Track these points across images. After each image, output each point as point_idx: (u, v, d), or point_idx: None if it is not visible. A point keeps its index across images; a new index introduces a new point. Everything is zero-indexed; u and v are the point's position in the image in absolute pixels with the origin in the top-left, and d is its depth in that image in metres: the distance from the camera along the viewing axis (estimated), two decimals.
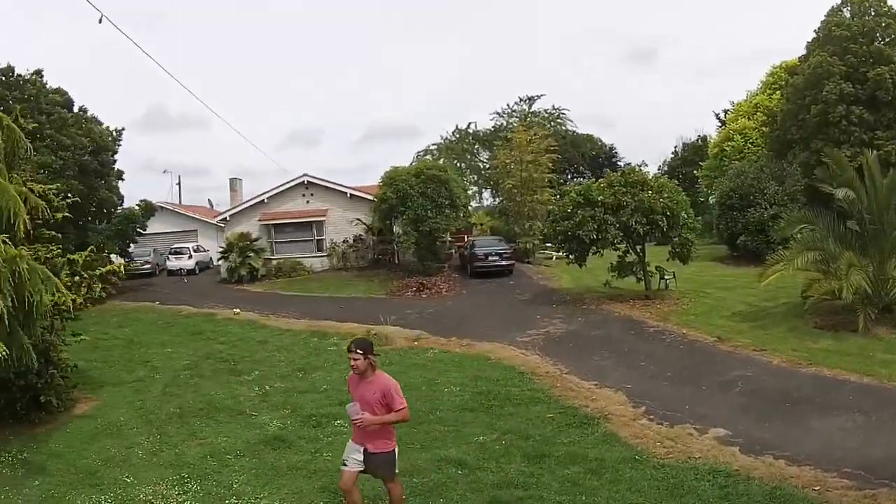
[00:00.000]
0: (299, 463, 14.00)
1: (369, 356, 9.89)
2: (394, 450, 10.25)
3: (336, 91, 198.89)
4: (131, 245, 53.33)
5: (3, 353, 13.88)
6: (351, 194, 54.12)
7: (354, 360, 9.85)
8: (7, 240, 15.56)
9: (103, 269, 25.87)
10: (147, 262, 61.68)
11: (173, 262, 61.47)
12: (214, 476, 13.73)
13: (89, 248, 25.53)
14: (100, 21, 23.48)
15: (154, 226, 64.66)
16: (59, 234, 25.52)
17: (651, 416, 15.69)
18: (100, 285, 25.60)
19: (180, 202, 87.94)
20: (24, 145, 19.23)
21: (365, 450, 10.10)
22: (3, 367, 16.99)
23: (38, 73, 45.62)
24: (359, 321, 30.10)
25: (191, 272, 60.09)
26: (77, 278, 23.89)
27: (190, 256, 61.97)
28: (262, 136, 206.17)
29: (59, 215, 23.58)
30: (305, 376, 21.72)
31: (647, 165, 78.87)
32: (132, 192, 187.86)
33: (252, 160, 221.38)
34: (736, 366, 20.10)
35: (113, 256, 49.03)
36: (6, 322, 14.69)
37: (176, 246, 64.36)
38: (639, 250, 33.17)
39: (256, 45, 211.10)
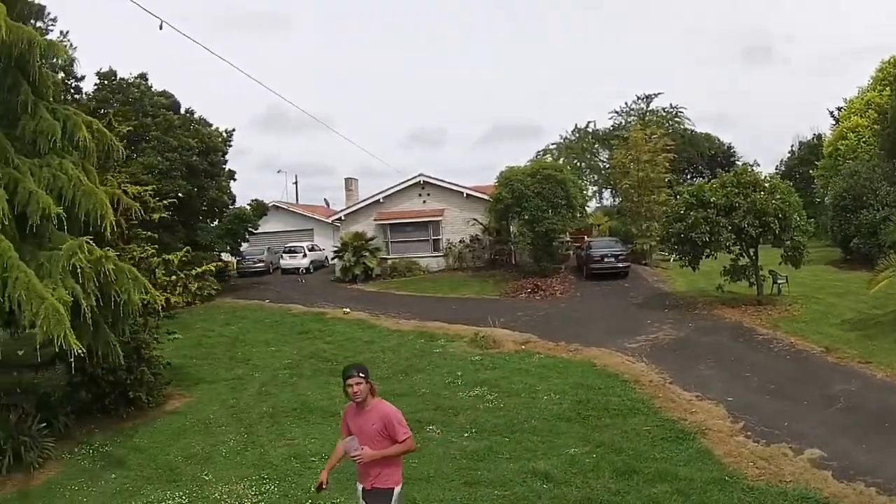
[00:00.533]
0: None
1: (370, 381, 8.82)
2: (395, 488, 8.98)
3: (459, 90, 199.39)
4: (243, 244, 53.54)
5: (79, 350, 13.93)
6: (467, 194, 53.60)
7: (356, 385, 8.65)
8: (92, 241, 15.67)
9: (199, 269, 25.91)
10: (261, 261, 62.39)
11: (287, 261, 61.99)
12: (295, 478, 13.74)
13: (184, 249, 25.60)
14: (160, 28, 23.55)
15: (270, 224, 65.32)
16: (156, 235, 25.77)
17: (748, 433, 14.90)
18: (196, 284, 25.67)
19: (297, 201, 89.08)
20: (117, 148, 19.31)
21: (363, 488, 9.00)
22: (89, 363, 17.27)
23: (142, 76, 46.53)
24: (468, 323, 29.66)
25: (305, 271, 60.41)
26: (174, 277, 23.94)
27: (304, 255, 62.39)
28: (386, 136, 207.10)
29: (157, 216, 23.74)
30: (406, 379, 21.54)
31: (758, 165, 76.82)
32: (254, 191, 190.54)
33: (374, 160, 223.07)
34: (840, 379, 19.08)
35: (224, 255, 49.66)
36: (89, 320, 14.90)
37: (290, 245, 64.93)
38: (751, 253, 32.00)
39: (381, 44, 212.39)
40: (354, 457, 8.70)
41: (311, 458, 14.69)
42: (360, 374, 8.68)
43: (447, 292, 42.39)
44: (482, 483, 12.74)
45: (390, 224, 54.27)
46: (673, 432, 15.01)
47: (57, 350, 14.77)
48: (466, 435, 15.53)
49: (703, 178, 74.11)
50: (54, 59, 19.80)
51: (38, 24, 24.73)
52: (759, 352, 22.91)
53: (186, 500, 13.27)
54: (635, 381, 19.58)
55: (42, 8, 19.84)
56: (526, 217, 44.22)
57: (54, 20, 42.29)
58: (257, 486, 13.44)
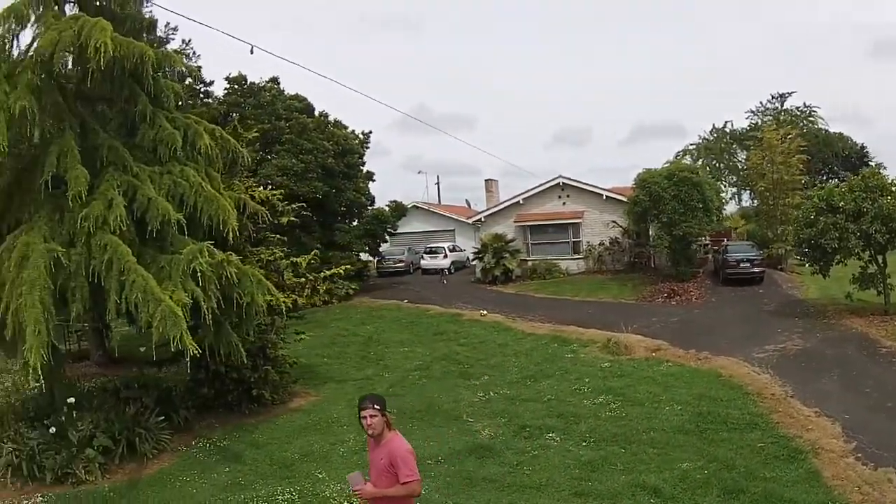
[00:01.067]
0: (496, 475, 13.89)
1: (386, 413, 8.38)
2: None
3: (604, 89, 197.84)
4: (383, 244, 54.35)
5: (195, 350, 14.56)
6: (606, 196, 53.10)
7: (370, 417, 8.27)
8: (214, 245, 16.20)
9: (328, 272, 26.27)
10: (401, 261, 63.27)
11: (427, 262, 62.69)
12: None
13: (313, 252, 25.95)
14: (251, 52, 24.19)
15: (411, 224, 66.03)
16: (286, 238, 26.19)
17: (859, 454, 14.39)
18: (325, 286, 26.07)
19: (439, 201, 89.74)
20: (243, 154, 19.80)
21: None
22: (212, 361, 17.79)
23: (274, 80, 47.61)
24: (603, 327, 29.55)
25: (447, 272, 60.65)
26: (303, 280, 24.31)
27: (445, 256, 62.84)
28: (530, 136, 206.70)
29: (285, 219, 24.11)
30: (533, 384, 21.45)
31: (885, 168, 74.07)
32: (397, 191, 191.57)
33: (520, 159, 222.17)
34: None
35: (363, 255, 50.29)
36: (209, 321, 15.52)
37: (431, 245, 65.55)
38: (879, 261, 31.07)
39: (526, 44, 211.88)
40: (355, 491, 8.55)
41: (427, 461, 14.61)
42: (375, 406, 8.31)
43: (585, 295, 42.22)
44: (591, 494, 12.70)
45: (530, 226, 54.30)
46: (786, 450, 14.66)
47: (173, 350, 15.30)
48: (584, 444, 15.46)
49: (839, 179, 72.00)
50: (180, 69, 20.32)
51: (156, 35, 25.41)
52: (882, 366, 22.18)
53: (296, 497, 13.57)
54: (758, 393, 19.18)
55: (153, 22, 20.45)
56: (663, 220, 43.79)
57: (175, 30, 43.81)
58: None
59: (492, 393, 20.43)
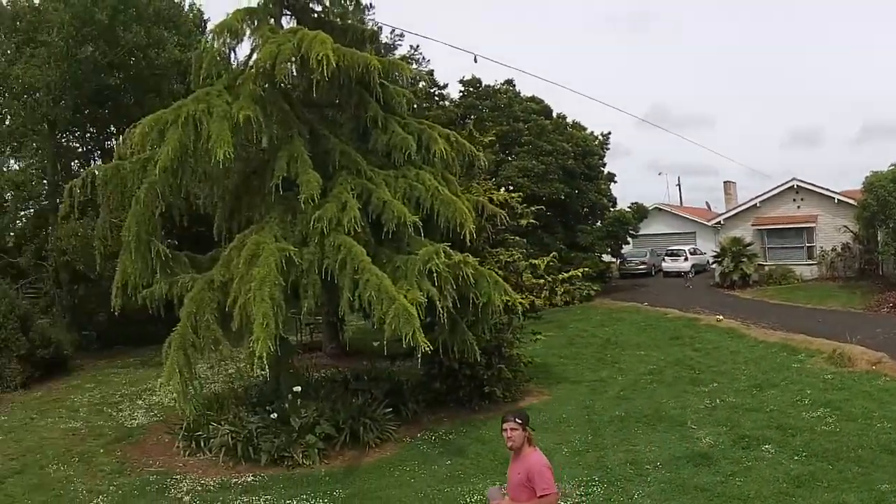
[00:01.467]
0: (709, 484, 13.79)
1: (528, 428, 8.38)
2: None
3: (834, 86, 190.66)
4: (624, 245, 54.44)
5: (426, 347, 15.27)
6: (838, 199, 51.02)
7: (511, 430, 8.31)
8: (451, 246, 16.98)
9: (566, 274, 26.53)
10: (642, 263, 63.16)
11: (668, 264, 62.07)
12: (622, 484, 13.92)
13: (551, 254, 26.32)
14: (475, 61, 24.61)
15: (652, 226, 65.83)
16: (526, 239, 26.60)
17: None
18: (562, 288, 26.40)
19: (681, 203, 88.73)
20: (479, 157, 20.37)
21: None
22: (446, 358, 18.43)
23: (509, 82, 48.13)
24: (831, 337, 28.22)
25: (686, 274, 59.56)
26: (542, 281, 24.64)
27: (686, 259, 61.99)
28: (765, 136, 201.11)
29: (524, 221, 24.53)
30: (758, 393, 21.01)
31: None
32: (638, 192, 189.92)
33: (759, 159, 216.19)
34: None
35: (605, 256, 50.42)
36: (444, 319, 16.26)
37: (672, 248, 64.79)
38: None
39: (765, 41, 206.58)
40: None
41: (645, 465, 14.79)
42: (517, 421, 8.35)
43: (816, 303, 40.77)
44: None
45: (766, 229, 53.09)
46: None
47: (405, 346, 15.97)
48: (796, 458, 15.13)
49: None
50: (409, 76, 20.97)
51: (379, 42, 26.24)
52: None
53: None
54: None
55: (375, 32, 21.33)
56: (891, 226, 41.89)
57: (400, 36, 45.07)
58: (585, 487, 13.77)
59: (718, 400, 20.16)
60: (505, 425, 8.36)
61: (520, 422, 8.32)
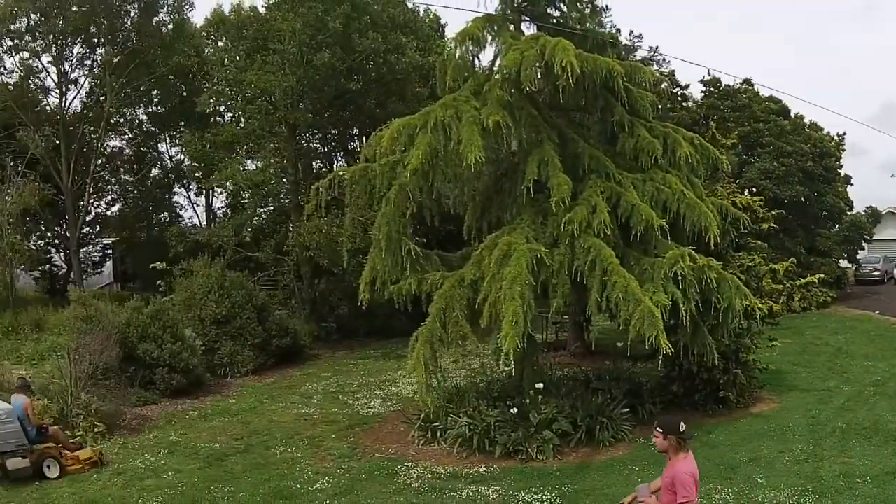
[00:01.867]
0: None
1: (669, 436, 8.62)
2: None
3: None
4: (860, 251, 53.05)
5: (668, 349, 15.63)
6: None
7: (655, 437, 8.75)
8: (696, 250, 17.25)
9: (803, 280, 26.33)
10: (876, 269, 60.74)
11: None
12: (832, 496, 13.75)
13: (790, 260, 26.12)
14: (708, 74, 24.65)
15: (885, 231, 63.64)
16: (767, 242, 26.54)
17: None
18: (799, 294, 26.25)
19: None
20: (722, 160, 20.54)
21: None
22: (687, 361, 18.77)
23: (747, 81, 47.22)
24: None
25: None
26: (780, 286, 24.56)
27: None
28: None
29: (765, 225, 24.51)
30: None
31: None
32: (870, 195, 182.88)
33: None
34: None
35: (841, 262, 49.39)
36: (686, 322, 16.57)
37: None
38: None
39: None
40: (640, 502, 8.89)
41: (857, 478, 14.49)
42: (658, 430, 8.73)
43: None
44: None
45: None
46: None
47: (647, 348, 16.33)
48: None
49: None
50: (650, 79, 21.13)
51: (619, 46, 26.54)
52: None
53: (731, 498, 13.88)
54: None
55: (615, 35, 21.72)
56: None
57: (639, 37, 45.07)
58: (798, 497, 13.66)
59: None
60: (654, 432, 8.81)
61: (661, 430, 8.68)
